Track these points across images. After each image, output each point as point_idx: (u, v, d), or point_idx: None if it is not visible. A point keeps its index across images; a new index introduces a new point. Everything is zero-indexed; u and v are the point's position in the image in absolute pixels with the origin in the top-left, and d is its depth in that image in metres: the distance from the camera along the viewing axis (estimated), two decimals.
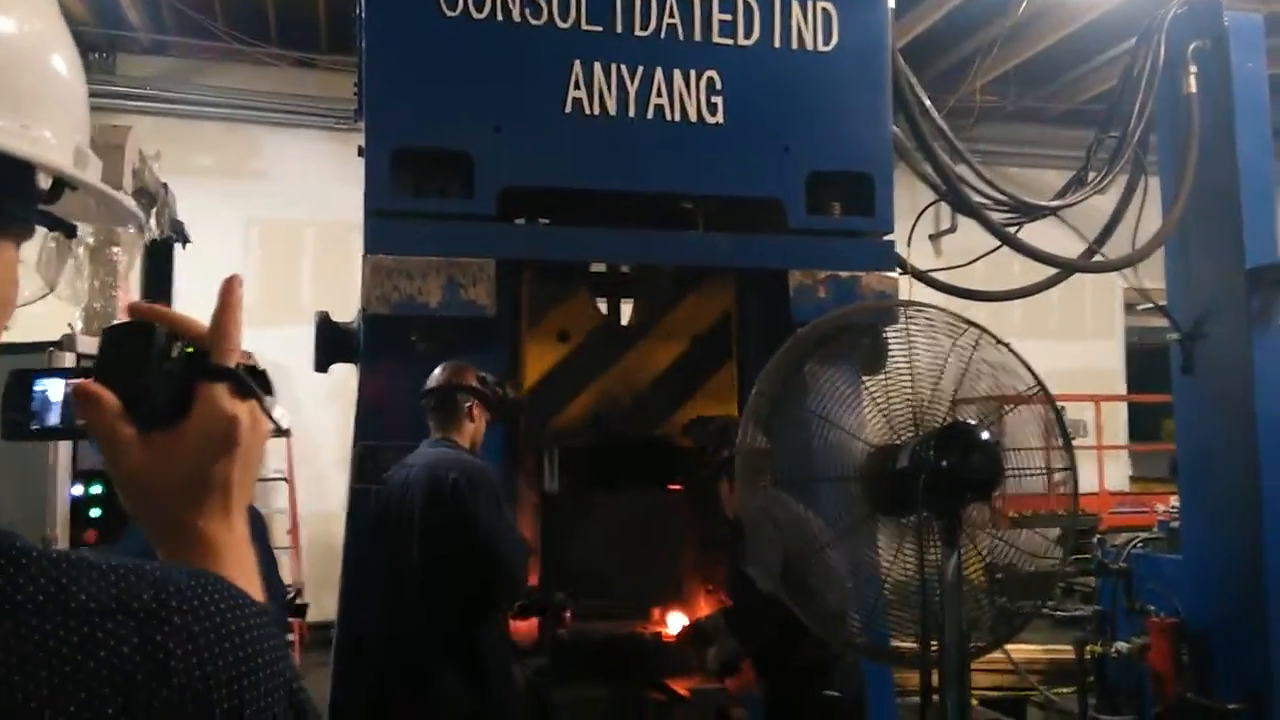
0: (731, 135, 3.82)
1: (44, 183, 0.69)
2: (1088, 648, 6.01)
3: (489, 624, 3.28)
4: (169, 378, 0.76)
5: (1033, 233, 5.03)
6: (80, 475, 3.08)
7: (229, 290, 0.81)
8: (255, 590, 0.76)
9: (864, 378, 2.17)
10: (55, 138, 0.69)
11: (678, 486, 4.18)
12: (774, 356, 2.22)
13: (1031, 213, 4.59)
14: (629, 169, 3.77)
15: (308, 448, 8.41)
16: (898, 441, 2.13)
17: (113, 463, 0.77)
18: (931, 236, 9.91)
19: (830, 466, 2.17)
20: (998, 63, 9.37)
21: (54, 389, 0.80)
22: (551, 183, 3.77)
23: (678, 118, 3.79)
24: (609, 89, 3.74)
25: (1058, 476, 2.14)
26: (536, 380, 4.01)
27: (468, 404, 3.41)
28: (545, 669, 3.78)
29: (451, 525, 3.16)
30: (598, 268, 4.29)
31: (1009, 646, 5.86)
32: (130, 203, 0.80)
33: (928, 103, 4.18)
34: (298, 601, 3.52)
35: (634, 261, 4.12)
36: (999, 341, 2.15)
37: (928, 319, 2.16)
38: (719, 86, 3.81)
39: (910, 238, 4.75)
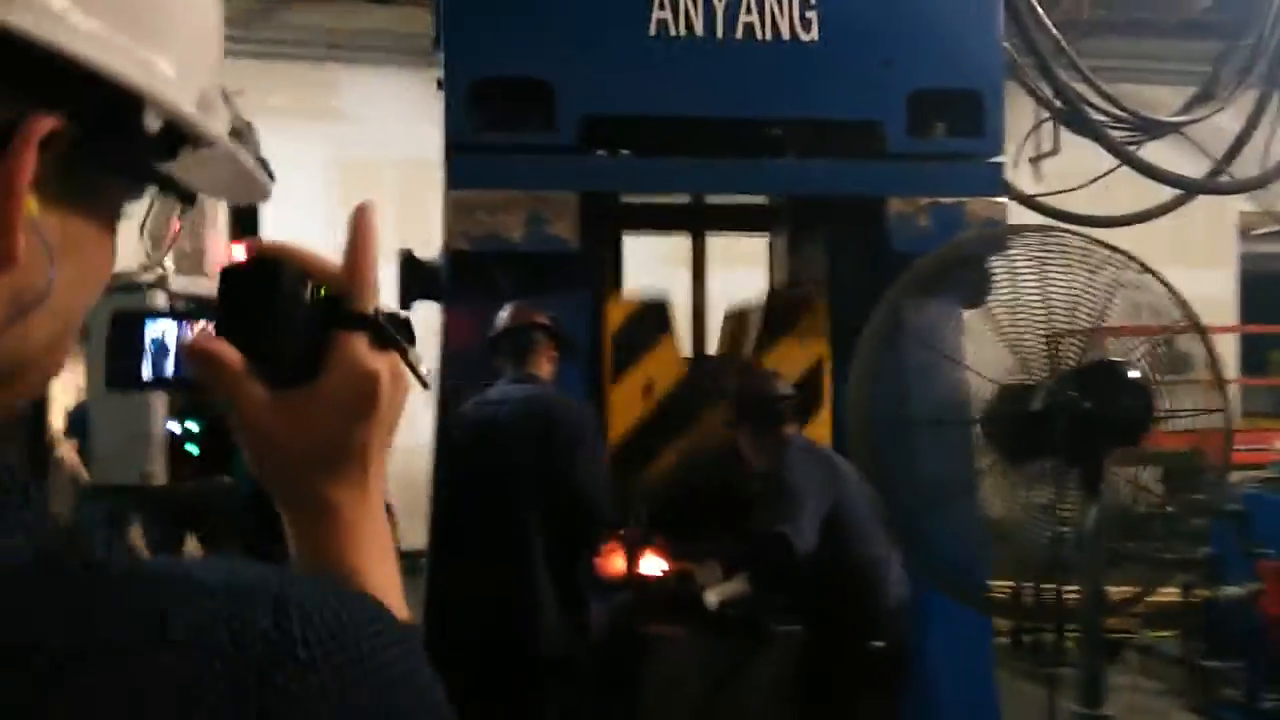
0: (827, 53, 3.59)
1: (152, 125, 0.54)
2: (1194, 591, 5.77)
3: (584, 560, 3.29)
4: (300, 327, 0.65)
5: (1144, 156, 4.70)
6: (177, 412, 3.09)
7: (362, 220, 0.67)
8: (389, 566, 0.68)
9: (993, 311, 1.99)
10: (174, 71, 0.54)
11: None
12: (885, 296, 2.05)
13: (1154, 130, 4.26)
14: (717, 94, 3.58)
15: None
16: (1030, 380, 1.95)
17: (239, 425, 0.67)
18: (1032, 160, 9.45)
19: (949, 409, 2.00)
20: None
21: (170, 333, 0.68)
22: (635, 110, 3.60)
23: (769, 36, 3.58)
24: (695, 7, 3.54)
25: (1209, 418, 1.94)
26: (624, 433, 3.89)
27: (543, 342, 3.35)
28: (631, 604, 3.79)
29: (551, 463, 3.14)
30: (682, 199, 4.12)
31: (1107, 587, 5.66)
32: (263, 173, 0.65)
33: (1042, 13, 3.87)
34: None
35: (721, 192, 3.95)
36: (1145, 268, 1.94)
37: (1061, 244, 1.95)
38: (813, 1, 3.58)
39: (1016, 161, 4.48)
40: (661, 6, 3.54)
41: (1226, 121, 4.87)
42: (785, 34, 3.58)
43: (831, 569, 3.13)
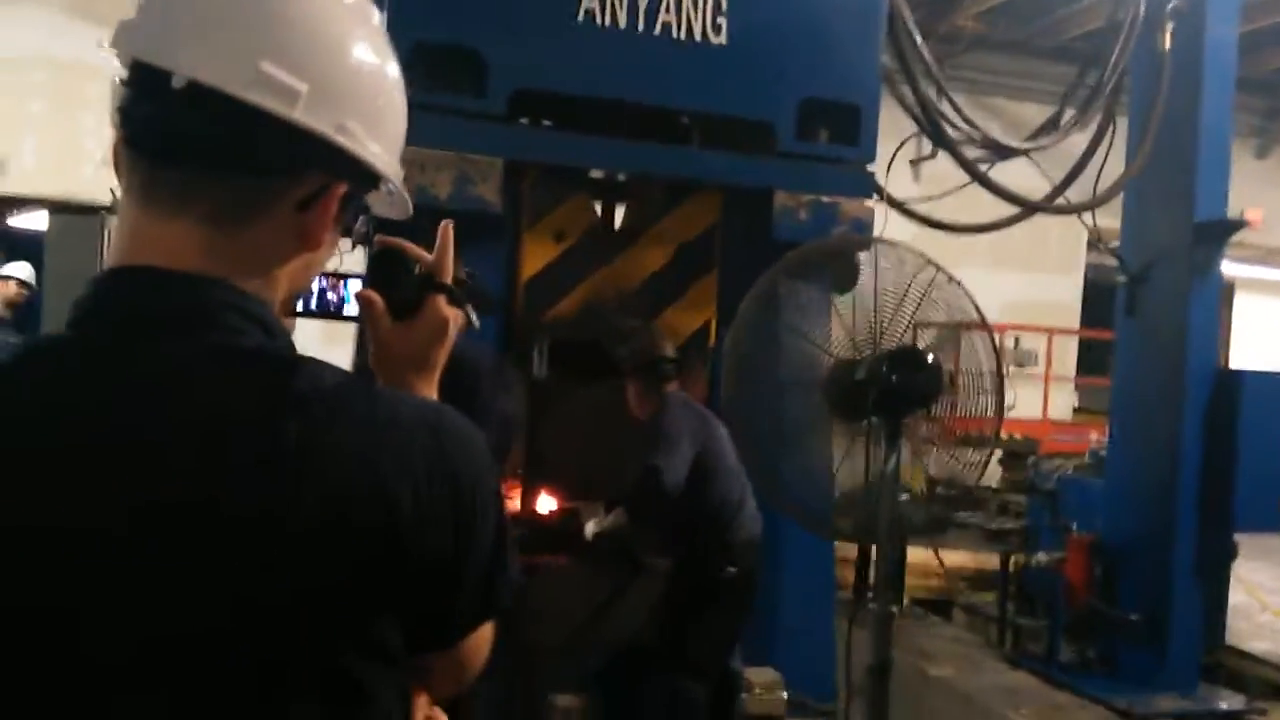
0: (732, 57, 4.03)
1: (389, 189, 1.04)
2: (1012, 558, 6.56)
3: None
4: (410, 289, 1.18)
5: (1004, 166, 5.32)
6: None
7: (446, 232, 1.22)
8: None
9: (836, 300, 2.49)
10: (387, 154, 1.01)
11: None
12: (762, 276, 2.53)
13: (1005, 153, 4.87)
14: (634, 81, 3.98)
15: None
16: (858, 357, 2.46)
17: (373, 340, 1.19)
18: (912, 162, 10.10)
19: (800, 373, 2.50)
20: None
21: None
22: (560, 88, 3.99)
23: (683, 36, 4.00)
24: (620, 2, 3.93)
25: (985, 400, 2.49)
26: (532, 275, 4.29)
27: None
28: (523, 537, 4.20)
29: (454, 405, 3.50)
30: (595, 173, 4.53)
31: (942, 553, 6.40)
32: (410, 203, 1.10)
33: (918, 37, 4.40)
34: None
35: (634, 171, 4.35)
36: (952, 279, 2.47)
37: (898, 255, 2.47)
38: (724, 8, 4.02)
39: (890, 164, 5.04)
40: None
41: (1073, 144, 5.54)
42: (698, 35, 4.01)
43: (695, 504, 3.66)
